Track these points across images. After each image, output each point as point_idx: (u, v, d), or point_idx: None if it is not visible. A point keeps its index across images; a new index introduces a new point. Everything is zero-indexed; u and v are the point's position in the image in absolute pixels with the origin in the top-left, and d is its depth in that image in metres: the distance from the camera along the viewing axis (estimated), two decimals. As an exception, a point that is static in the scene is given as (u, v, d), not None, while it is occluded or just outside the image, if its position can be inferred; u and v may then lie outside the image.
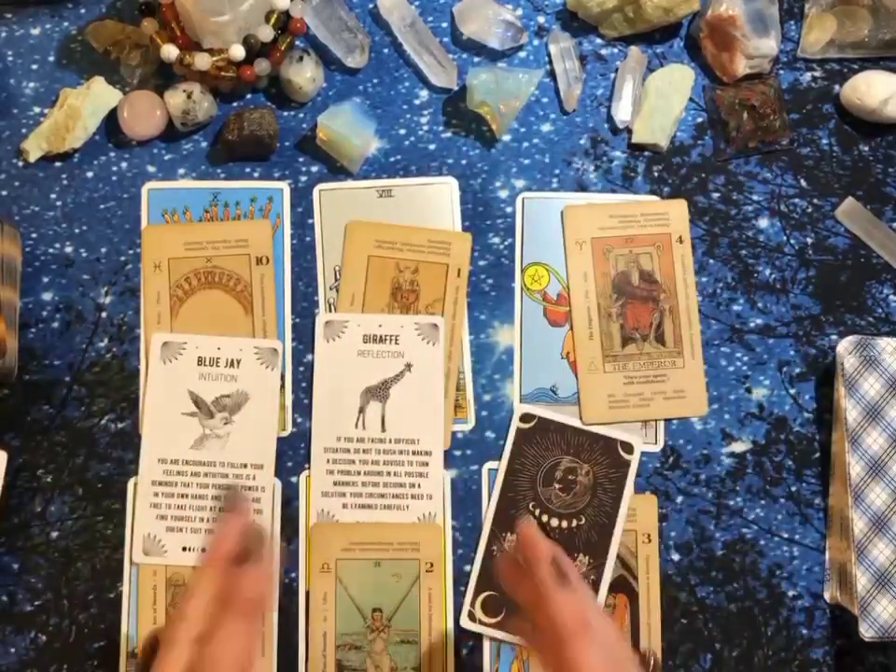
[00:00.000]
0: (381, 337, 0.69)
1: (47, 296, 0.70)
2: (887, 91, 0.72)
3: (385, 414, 0.69)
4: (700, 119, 0.74)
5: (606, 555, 0.67)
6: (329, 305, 0.70)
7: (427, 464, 0.68)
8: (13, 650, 0.66)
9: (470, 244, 0.71)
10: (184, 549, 0.67)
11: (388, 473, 0.68)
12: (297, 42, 0.71)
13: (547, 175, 0.72)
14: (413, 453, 0.68)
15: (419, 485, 0.68)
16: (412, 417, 0.69)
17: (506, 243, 0.72)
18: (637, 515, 0.68)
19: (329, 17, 0.72)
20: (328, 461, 0.68)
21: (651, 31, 0.74)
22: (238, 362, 0.68)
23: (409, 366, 0.69)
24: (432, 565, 0.67)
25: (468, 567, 0.68)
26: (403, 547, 0.67)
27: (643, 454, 0.69)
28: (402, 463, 0.68)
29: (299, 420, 0.69)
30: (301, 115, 0.73)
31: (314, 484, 0.68)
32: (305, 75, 0.70)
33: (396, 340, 0.69)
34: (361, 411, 0.68)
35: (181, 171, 0.71)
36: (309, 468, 0.68)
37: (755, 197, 0.73)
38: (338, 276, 0.70)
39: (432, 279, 0.70)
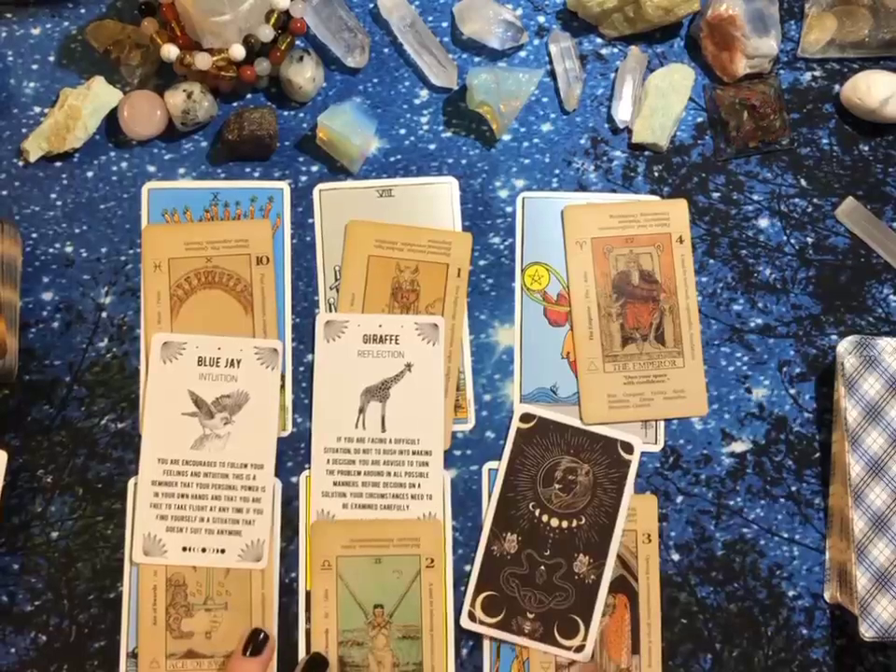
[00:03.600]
0: (381, 337, 0.69)
1: (47, 296, 0.70)
2: (887, 90, 0.72)
3: (385, 414, 0.69)
4: (700, 119, 0.74)
5: (606, 555, 0.68)
6: (329, 305, 0.70)
7: (427, 464, 0.68)
8: (13, 650, 0.66)
9: (470, 244, 0.71)
10: (184, 549, 0.67)
11: (388, 473, 0.68)
12: (297, 42, 0.71)
13: (547, 175, 0.72)
14: (413, 453, 0.68)
15: (419, 485, 0.68)
16: (412, 417, 0.69)
17: (506, 243, 0.72)
18: (636, 515, 0.68)
19: (328, 17, 0.72)
20: (328, 461, 0.68)
21: (651, 31, 0.74)
22: (238, 362, 0.68)
23: (409, 366, 0.69)
24: (432, 560, 0.67)
25: (468, 567, 0.68)
26: (403, 543, 0.67)
27: (643, 454, 0.69)
28: (402, 463, 0.68)
29: (299, 420, 0.69)
30: (301, 115, 0.73)
31: (314, 484, 0.68)
32: (305, 75, 0.70)
33: (396, 340, 0.69)
34: (361, 411, 0.68)
35: (181, 171, 0.71)
36: (309, 468, 0.68)
37: (755, 197, 0.73)
38: (338, 276, 0.70)
39: (432, 279, 0.70)
